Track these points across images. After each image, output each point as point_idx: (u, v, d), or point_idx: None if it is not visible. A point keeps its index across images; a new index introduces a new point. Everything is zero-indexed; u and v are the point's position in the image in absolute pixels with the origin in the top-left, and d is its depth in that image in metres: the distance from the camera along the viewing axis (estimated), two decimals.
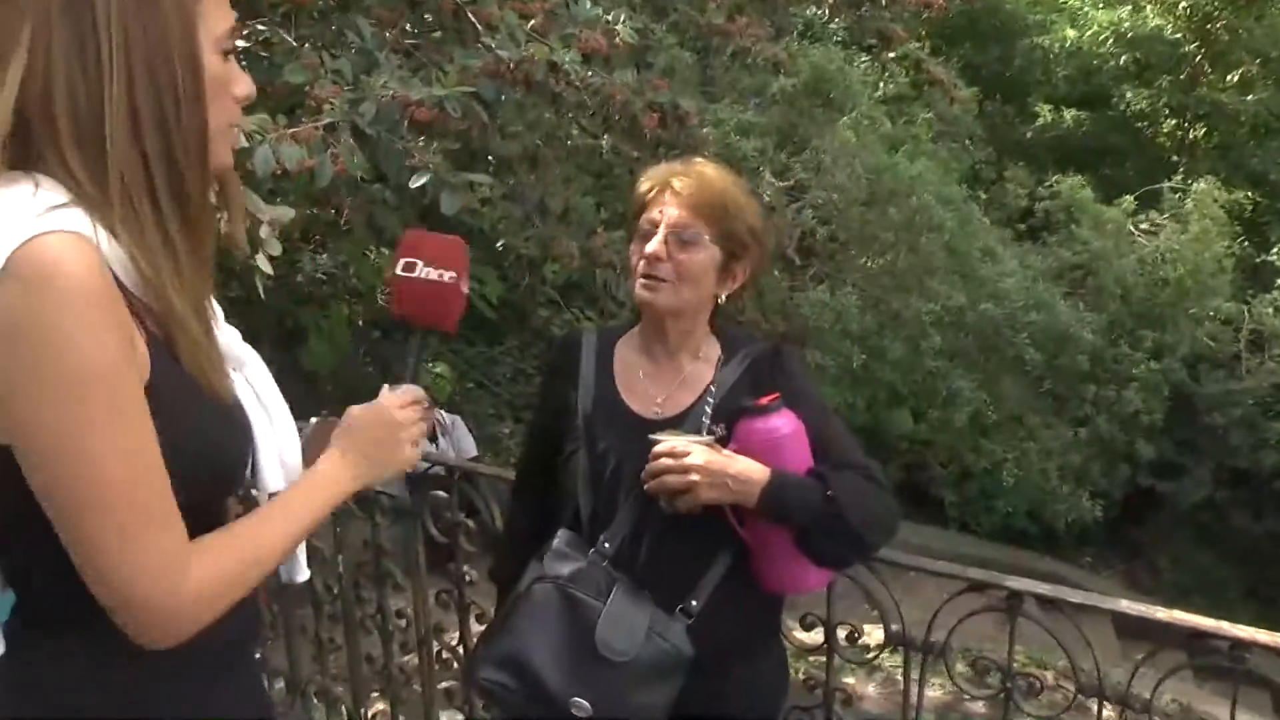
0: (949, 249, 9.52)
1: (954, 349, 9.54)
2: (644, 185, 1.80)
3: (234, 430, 1.18)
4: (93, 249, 0.99)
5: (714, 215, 1.72)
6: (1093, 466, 10.92)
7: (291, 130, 2.29)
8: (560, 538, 1.77)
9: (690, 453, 1.64)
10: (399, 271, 1.38)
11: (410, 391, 1.34)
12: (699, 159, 1.86)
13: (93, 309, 0.96)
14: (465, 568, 2.70)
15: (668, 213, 1.73)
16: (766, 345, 1.86)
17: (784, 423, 1.69)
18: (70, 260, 0.96)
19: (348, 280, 8.48)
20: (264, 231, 2.19)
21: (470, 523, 2.62)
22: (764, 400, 1.69)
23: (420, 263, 1.37)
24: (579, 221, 4.29)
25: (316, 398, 7.80)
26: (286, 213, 2.29)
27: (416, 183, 2.48)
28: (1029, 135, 15.08)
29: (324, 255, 8.20)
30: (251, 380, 1.24)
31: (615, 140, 4.67)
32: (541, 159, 4.05)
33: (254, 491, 1.24)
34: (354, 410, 1.32)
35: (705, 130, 5.55)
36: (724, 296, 1.79)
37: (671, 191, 1.74)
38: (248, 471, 1.22)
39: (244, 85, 1.15)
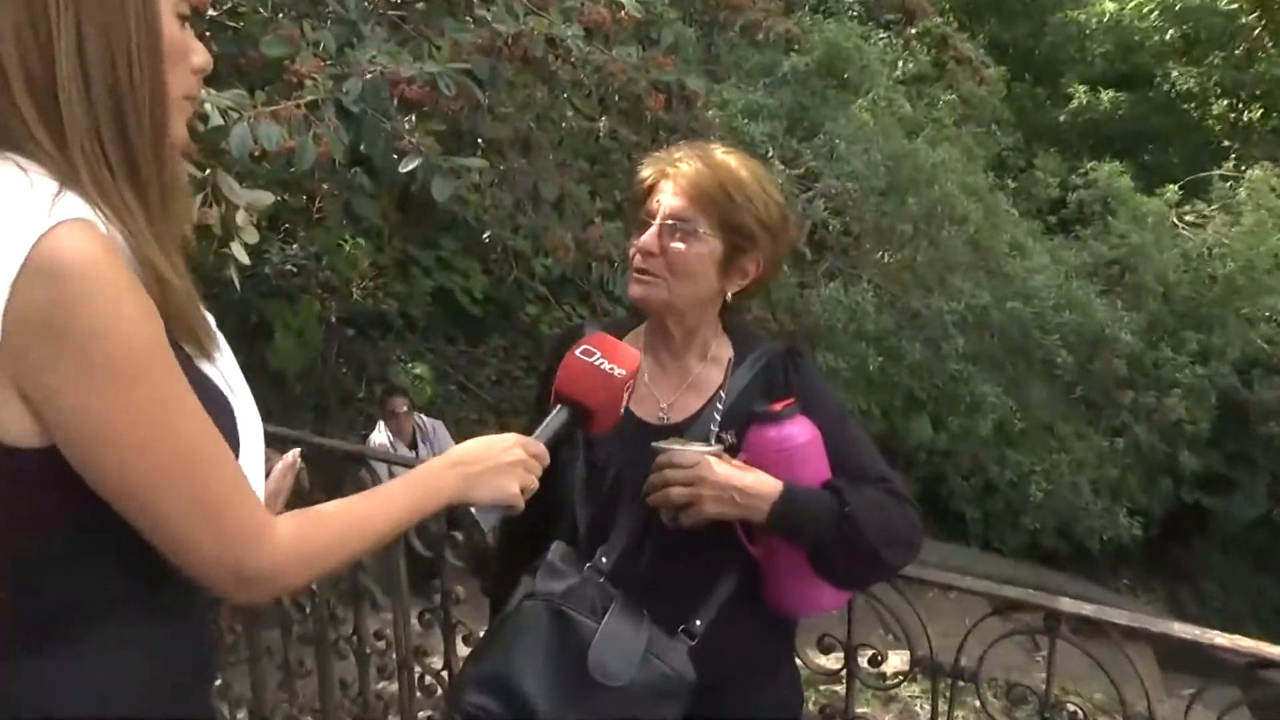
0: (973, 243, 9.58)
1: (978, 351, 9.57)
2: (644, 172, 1.82)
3: (226, 410, 1.21)
4: (100, 232, 1.03)
5: (713, 204, 1.72)
6: (1130, 480, 10.95)
7: (271, 108, 2.31)
8: (554, 551, 1.78)
9: (696, 463, 1.65)
10: (576, 353, 1.57)
11: (539, 446, 1.47)
12: (711, 143, 1.87)
13: (124, 292, 1.02)
14: (452, 585, 2.72)
15: (664, 202, 1.74)
16: (780, 346, 1.87)
17: (799, 431, 1.70)
18: (89, 249, 1.01)
19: (319, 272, 8.50)
20: (240, 217, 2.21)
21: (457, 535, 2.64)
22: (777, 406, 1.70)
23: (599, 354, 1.57)
24: (574, 211, 4.31)
25: (284, 400, 7.81)
26: (264, 198, 2.31)
27: (407, 167, 2.50)
28: (1061, 119, 15.13)
29: (294, 245, 8.23)
30: (221, 367, 1.26)
31: (613, 123, 4.70)
32: (534, 143, 4.07)
33: None
34: (480, 439, 1.45)
35: (710, 113, 5.59)
36: (731, 294, 1.79)
37: (669, 179, 1.75)
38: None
39: (201, 55, 1.17)
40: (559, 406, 1.54)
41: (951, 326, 9.00)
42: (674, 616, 1.72)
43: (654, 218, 1.75)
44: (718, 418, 1.74)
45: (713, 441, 1.72)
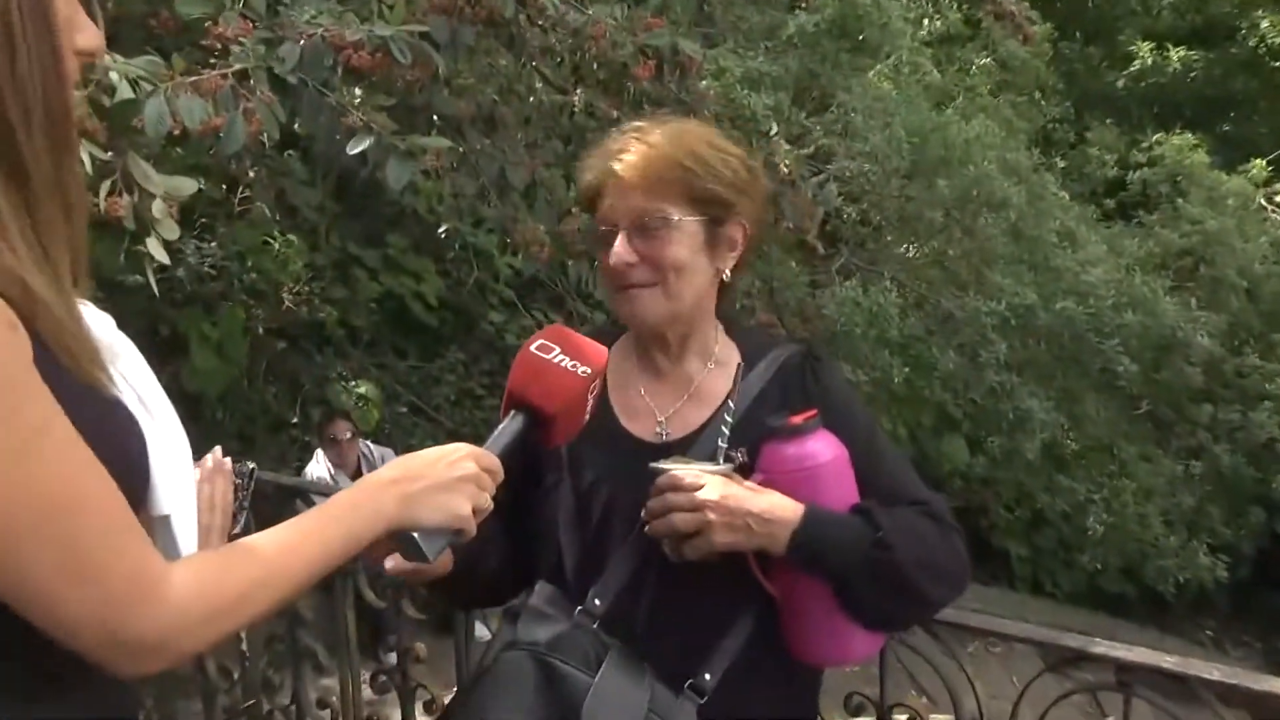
0: (1015, 232, 9.63)
1: (1022, 359, 9.59)
2: (585, 177, 1.86)
3: (128, 430, 1.22)
4: None
5: (675, 185, 1.76)
6: (1211, 511, 10.95)
7: (192, 79, 2.33)
8: (538, 593, 1.79)
9: (702, 485, 1.67)
10: (531, 348, 1.58)
11: (492, 459, 1.46)
12: (640, 123, 1.88)
13: None
14: (411, 642, 2.73)
15: (621, 203, 1.78)
16: (798, 348, 1.90)
17: (822, 447, 1.72)
18: None
19: (243, 275, 8.50)
20: (156, 209, 2.23)
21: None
22: (796, 418, 1.72)
23: (558, 349, 1.58)
24: (546, 200, 4.34)
25: (202, 427, 7.79)
26: (185, 186, 2.33)
27: (355, 148, 2.52)
28: (1120, 83, 15.13)
29: (212, 243, 8.22)
30: (129, 377, 1.27)
31: (590, 96, 4.73)
32: (499, 120, 4.10)
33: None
34: (423, 452, 1.43)
35: (704, 83, 5.62)
36: (729, 271, 1.84)
37: (616, 178, 1.79)
38: (150, 485, 1.26)
39: (90, 35, 1.18)
40: (513, 413, 1.55)
41: (991, 330, 9.01)
42: (680, 669, 1.74)
43: (615, 225, 1.78)
44: (726, 432, 1.76)
45: (721, 460, 1.74)
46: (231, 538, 1.59)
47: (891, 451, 1.91)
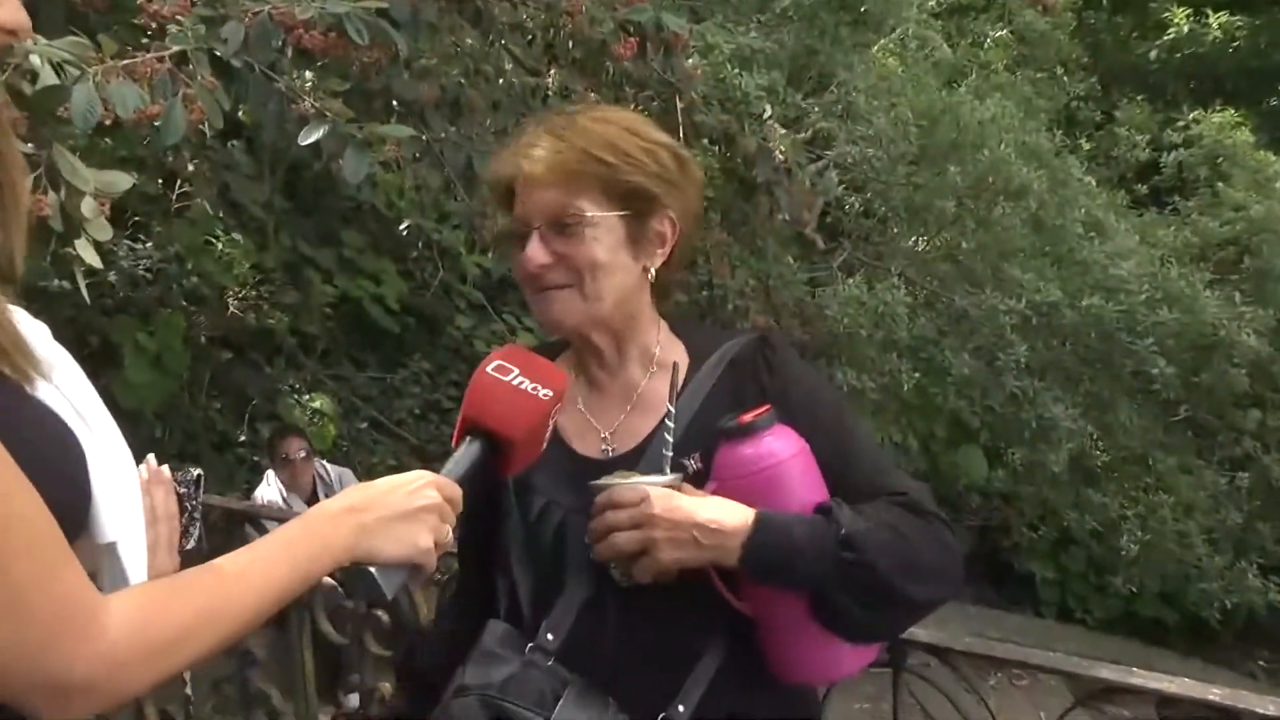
0: (1036, 222, 9.65)
1: (1046, 362, 9.55)
2: (497, 173, 1.90)
3: (66, 448, 1.22)
4: None
5: (590, 179, 1.79)
6: (1260, 527, 10.88)
7: (125, 62, 2.33)
8: (489, 633, 1.82)
9: (643, 498, 1.69)
10: (488, 370, 1.62)
11: (455, 488, 1.49)
12: (554, 114, 1.93)
13: None
14: (375, 681, 2.74)
15: (531, 203, 1.81)
16: (749, 338, 1.92)
17: (779, 444, 1.74)
18: None
19: (183, 279, 8.50)
20: (87, 207, 2.23)
21: (381, 614, 2.67)
22: (747, 415, 1.74)
23: (517, 370, 1.61)
24: None
25: (139, 445, 7.71)
26: (119, 181, 2.33)
27: (308, 138, 2.52)
28: (1152, 56, 15.16)
29: (147, 244, 8.22)
30: (67, 390, 1.28)
31: (565, 77, 4.75)
32: (466, 104, 4.11)
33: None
34: (379, 480, 1.45)
35: (690, 61, 5.64)
36: (654, 270, 1.86)
37: (527, 175, 1.82)
38: (93, 508, 1.27)
39: (9, 9, 1.18)
40: (468, 439, 1.57)
41: (1010, 331, 8.98)
42: (649, 702, 1.75)
43: (528, 224, 1.81)
44: (669, 439, 1.77)
45: (668, 470, 1.76)
46: (184, 554, 1.61)
47: (865, 440, 1.93)
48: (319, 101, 2.57)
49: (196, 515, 1.71)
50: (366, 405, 9.52)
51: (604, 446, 1.87)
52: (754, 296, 7.50)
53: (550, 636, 1.77)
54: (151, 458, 1.61)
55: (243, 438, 8.79)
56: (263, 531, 2.76)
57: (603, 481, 1.73)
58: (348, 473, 7.34)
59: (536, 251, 1.79)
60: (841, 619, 1.73)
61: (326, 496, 6.89)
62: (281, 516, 4.42)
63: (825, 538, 1.68)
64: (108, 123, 2.32)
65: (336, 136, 2.55)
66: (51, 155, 2.29)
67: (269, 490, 6.99)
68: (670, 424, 1.77)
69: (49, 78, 2.33)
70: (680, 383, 1.81)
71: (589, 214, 1.78)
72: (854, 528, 1.68)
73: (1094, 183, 11.17)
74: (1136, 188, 12.76)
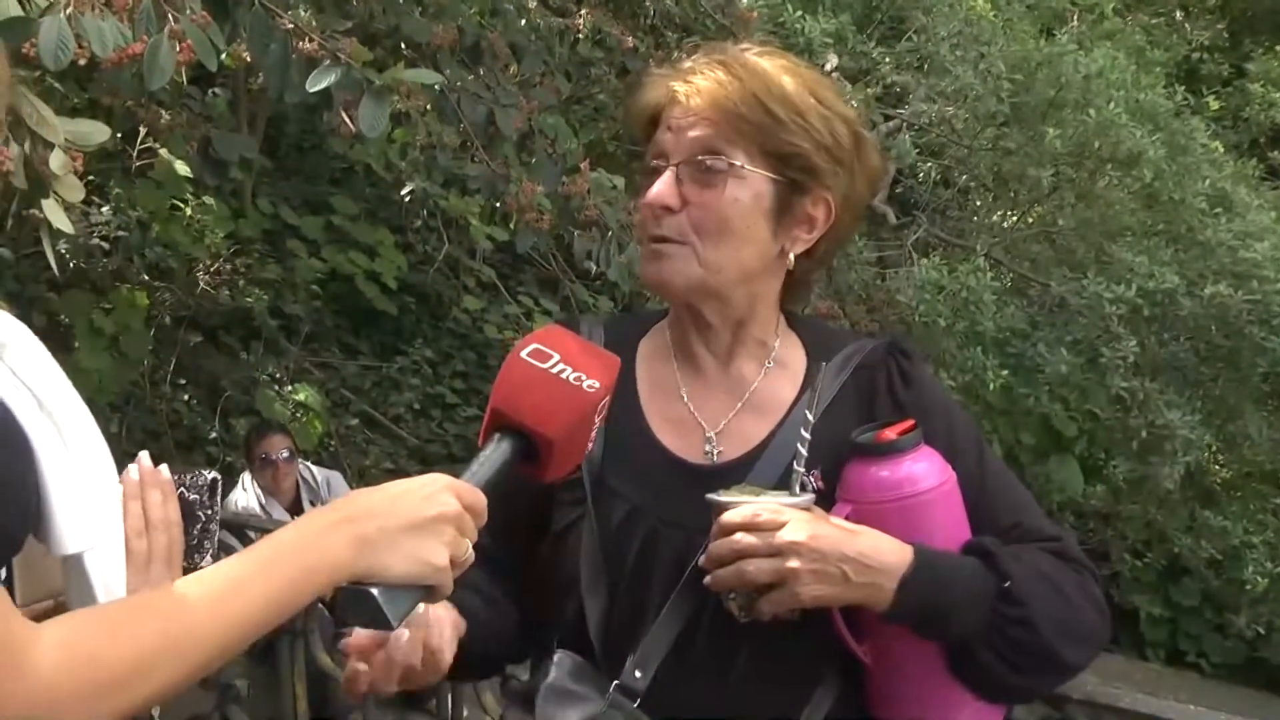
0: (1149, 195, 9.59)
1: (1159, 360, 9.54)
2: (644, 95, 1.88)
3: (3, 442, 1.22)
4: None
5: (750, 127, 1.77)
6: None
7: None
8: (558, 665, 1.81)
9: (784, 523, 1.66)
10: (522, 354, 1.55)
11: (476, 494, 1.43)
12: (742, 43, 1.91)
13: None
14: None
15: (675, 136, 1.79)
16: (878, 342, 1.91)
17: (925, 469, 1.73)
18: None
19: (146, 249, 8.50)
20: (56, 161, 2.23)
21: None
22: (890, 431, 1.73)
23: (558, 356, 1.54)
24: (548, 152, 4.33)
25: None
26: (95, 132, 2.33)
27: (318, 84, 2.51)
28: None
29: (104, 207, 8.22)
30: (22, 372, 1.29)
31: (597, 19, 4.73)
32: (486, 49, 4.09)
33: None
34: (386, 485, 1.40)
35: (745, 1, 5.62)
36: (794, 257, 1.83)
37: (680, 100, 1.80)
38: (38, 515, 1.27)
39: None
40: (497, 436, 1.52)
41: (1117, 323, 8.94)
42: None
43: (666, 159, 1.80)
44: (803, 451, 1.74)
45: (797, 489, 1.73)
46: (194, 570, 1.58)
47: (1006, 474, 1.92)
48: (329, 41, 2.55)
49: (212, 527, 1.69)
50: (358, 398, 9.53)
51: (707, 449, 1.85)
52: (815, 278, 7.50)
53: (639, 674, 1.75)
54: (144, 456, 1.59)
55: (214, 434, 8.80)
56: (246, 542, 2.76)
57: (725, 496, 1.71)
58: (336, 476, 7.34)
59: (665, 190, 1.78)
60: (982, 676, 1.73)
61: (312, 504, 6.96)
62: (263, 527, 4.41)
63: (986, 587, 1.69)
64: (81, 63, 2.32)
65: (349, 81, 2.53)
66: (14, 100, 2.28)
67: (245, 496, 6.99)
68: (807, 435, 1.74)
69: (12, 8, 2.32)
70: (818, 386, 1.77)
71: (738, 164, 1.76)
72: (1019, 579, 1.68)
73: (1220, 149, 11.08)
74: (1272, 155, 12.68)
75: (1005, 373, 8.81)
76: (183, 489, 1.65)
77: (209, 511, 1.69)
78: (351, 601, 1.31)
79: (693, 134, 1.77)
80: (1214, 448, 9.77)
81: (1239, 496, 10.39)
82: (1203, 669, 10.87)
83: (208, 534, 1.67)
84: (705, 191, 1.76)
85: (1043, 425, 9.88)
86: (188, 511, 1.63)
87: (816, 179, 1.79)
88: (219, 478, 1.73)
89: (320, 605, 2.80)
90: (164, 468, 1.62)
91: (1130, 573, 10.83)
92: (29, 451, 1.22)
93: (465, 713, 3.05)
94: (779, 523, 1.65)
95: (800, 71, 1.85)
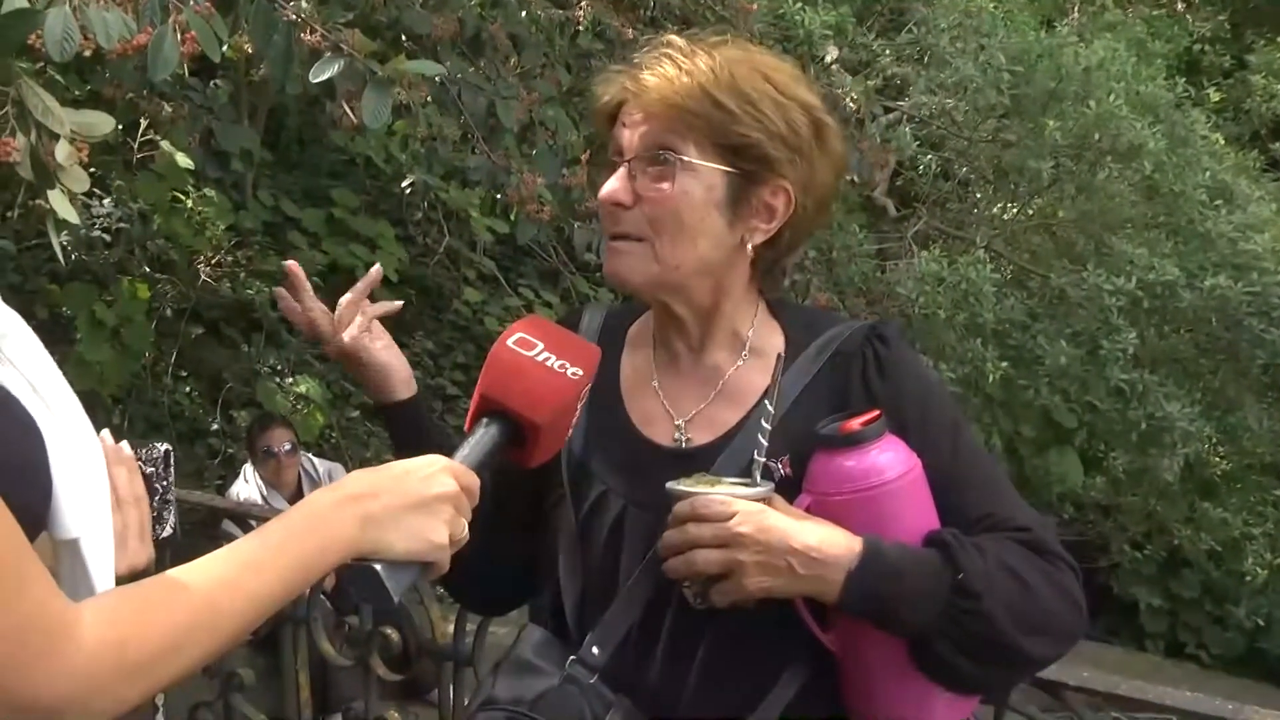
0: (1150, 186, 9.58)
1: (1159, 352, 9.53)
2: (602, 95, 1.90)
3: (23, 431, 1.24)
4: None
5: (697, 119, 1.78)
6: None
7: None
8: (524, 639, 1.84)
9: (733, 514, 1.67)
10: (508, 343, 1.63)
11: (473, 477, 1.48)
12: (683, 39, 1.89)
13: None
14: (382, 709, 2.76)
15: (630, 132, 1.82)
16: (859, 327, 1.91)
17: (889, 460, 1.73)
18: None
19: (147, 241, 8.50)
20: (61, 152, 2.24)
21: (389, 632, 2.68)
22: (854, 422, 1.74)
23: (541, 345, 1.62)
24: (549, 144, 4.35)
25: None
26: (101, 123, 2.34)
27: (321, 75, 2.52)
28: None
29: (105, 200, 8.21)
30: (20, 362, 1.30)
31: (597, 10, 4.74)
32: (487, 41, 4.10)
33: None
34: (387, 465, 1.45)
35: None
36: (751, 247, 1.84)
37: (633, 99, 1.82)
38: (53, 501, 1.28)
39: None
40: (484, 421, 1.57)
41: (1117, 315, 8.94)
42: None
43: (621, 154, 1.83)
44: (764, 441, 1.76)
45: (758, 477, 1.75)
46: (157, 543, 1.62)
47: (984, 461, 1.93)
48: (332, 32, 2.56)
49: (170, 498, 1.71)
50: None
51: (676, 436, 1.87)
52: (815, 270, 7.51)
53: (596, 650, 1.77)
54: (106, 434, 1.59)
55: (216, 426, 8.80)
56: (247, 530, 2.77)
57: (682, 486, 1.72)
58: (338, 468, 7.37)
59: (618, 187, 1.80)
60: (943, 669, 1.73)
61: None
62: (264, 516, 4.43)
63: (940, 580, 1.69)
64: (87, 54, 2.33)
65: (353, 73, 2.54)
66: (20, 90, 2.29)
67: (247, 488, 7.01)
68: (767, 425, 1.75)
69: (18, 0, 2.33)
70: (780, 376, 1.79)
71: (688, 158, 1.78)
72: (973, 570, 1.69)
73: (1221, 140, 11.07)
74: (1273, 147, 12.65)
75: (1005, 364, 8.78)
76: (140, 463, 1.66)
77: (165, 483, 1.70)
78: (356, 577, 1.37)
79: (644, 130, 1.80)
80: (1214, 439, 9.71)
81: (1239, 488, 10.38)
82: (1202, 660, 10.85)
83: (166, 504, 1.69)
84: (656, 186, 1.79)
85: (1043, 417, 9.86)
86: (147, 485, 1.64)
87: (772, 169, 1.81)
88: (171, 449, 1.74)
89: (322, 595, 2.81)
90: (125, 444, 1.63)
91: (1130, 564, 10.82)
92: (41, 441, 1.24)
93: (467, 702, 3.07)
94: (727, 514, 1.67)
95: (754, 59, 1.86)
